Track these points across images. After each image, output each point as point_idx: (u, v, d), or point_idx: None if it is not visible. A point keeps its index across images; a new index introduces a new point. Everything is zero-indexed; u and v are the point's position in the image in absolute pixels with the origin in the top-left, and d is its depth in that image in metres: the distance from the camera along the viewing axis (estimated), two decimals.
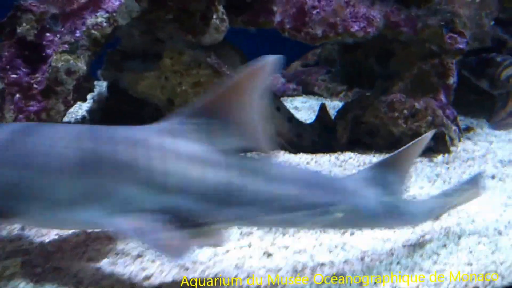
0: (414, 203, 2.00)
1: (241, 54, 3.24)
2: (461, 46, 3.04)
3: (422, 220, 1.90)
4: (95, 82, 2.83)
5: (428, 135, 1.74)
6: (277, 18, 2.99)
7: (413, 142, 1.71)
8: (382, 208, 1.64)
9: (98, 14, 2.42)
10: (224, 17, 2.92)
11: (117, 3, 2.46)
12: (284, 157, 2.97)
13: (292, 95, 5.53)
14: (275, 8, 3.01)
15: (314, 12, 2.91)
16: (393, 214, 1.69)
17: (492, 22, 3.47)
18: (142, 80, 2.95)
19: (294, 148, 3.24)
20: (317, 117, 3.54)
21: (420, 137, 1.73)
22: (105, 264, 1.63)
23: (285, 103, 5.16)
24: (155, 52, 2.96)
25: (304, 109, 4.98)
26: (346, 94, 4.86)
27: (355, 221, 1.64)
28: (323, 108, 3.55)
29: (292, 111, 4.87)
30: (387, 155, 1.80)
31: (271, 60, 1.39)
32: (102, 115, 3.30)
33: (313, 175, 1.66)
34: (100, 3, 2.43)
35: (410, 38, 3.05)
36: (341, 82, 3.73)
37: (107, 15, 2.44)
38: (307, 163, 2.87)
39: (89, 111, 3.40)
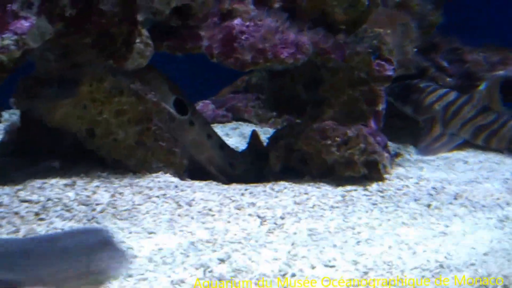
0: None
1: (168, 80, 3.11)
2: (389, 73, 3.08)
3: None
4: (9, 111, 2.59)
5: None
6: (205, 43, 2.89)
7: None
8: None
9: (4, 36, 2.21)
10: (149, 41, 2.79)
11: (27, 24, 2.26)
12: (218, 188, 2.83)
13: (222, 122, 5.47)
14: (202, 33, 2.91)
15: (243, 37, 2.83)
16: None
17: (415, 50, 3.57)
18: (59, 109, 2.73)
19: (227, 177, 3.11)
20: (249, 144, 3.46)
21: None
22: None
23: (215, 130, 5.10)
24: (72, 78, 2.75)
25: (235, 135, 4.92)
26: (276, 121, 4.84)
27: None
28: (254, 135, 3.48)
29: (223, 137, 4.79)
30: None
31: None
32: (14, 148, 3.01)
33: None
34: (7, 25, 2.22)
35: (338, 65, 3.05)
36: (270, 109, 3.67)
37: (15, 37, 2.23)
38: (242, 194, 2.75)
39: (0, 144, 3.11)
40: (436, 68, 4.34)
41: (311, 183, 2.99)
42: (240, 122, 5.45)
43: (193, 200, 2.59)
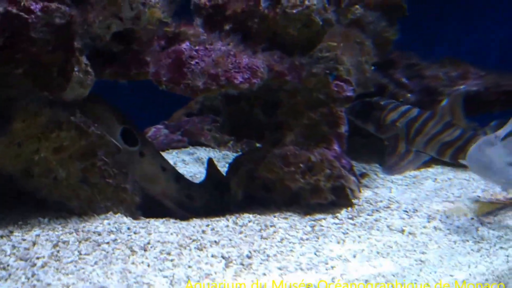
0: None
1: (114, 109, 2.88)
2: (348, 94, 2.94)
3: None
4: None
5: None
6: (152, 69, 2.67)
7: None
8: None
9: None
10: (89, 69, 2.55)
11: None
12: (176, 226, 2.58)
13: (178, 147, 5.22)
14: (148, 58, 2.70)
15: (193, 62, 2.63)
16: None
17: (373, 68, 3.48)
18: None
19: (186, 211, 2.89)
20: (208, 173, 3.25)
21: None
22: None
23: (170, 156, 4.87)
24: (4, 114, 2.47)
25: (191, 161, 4.70)
26: (236, 144, 4.64)
27: None
28: (210, 163, 3.27)
29: (179, 164, 4.55)
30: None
31: None
32: None
33: None
34: None
35: (296, 87, 2.89)
36: (228, 134, 3.47)
37: None
38: (203, 231, 2.52)
39: None
40: (395, 85, 4.26)
41: (277, 213, 2.81)
42: (197, 147, 5.23)
43: (148, 243, 2.34)
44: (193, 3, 2.91)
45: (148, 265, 2.14)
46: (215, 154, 4.84)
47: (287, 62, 2.82)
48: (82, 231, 2.41)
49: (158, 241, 2.36)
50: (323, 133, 2.92)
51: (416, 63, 4.36)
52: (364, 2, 3.55)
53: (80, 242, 2.30)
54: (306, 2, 2.78)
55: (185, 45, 2.68)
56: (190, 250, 2.30)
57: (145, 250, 2.27)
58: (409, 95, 4.25)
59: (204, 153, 5.03)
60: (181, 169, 4.25)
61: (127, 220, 2.59)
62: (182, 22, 2.74)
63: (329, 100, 2.94)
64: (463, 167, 4.05)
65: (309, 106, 2.93)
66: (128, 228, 2.48)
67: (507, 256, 2.27)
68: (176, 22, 2.74)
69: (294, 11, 2.80)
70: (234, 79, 2.60)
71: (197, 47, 2.66)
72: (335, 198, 2.83)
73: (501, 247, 2.38)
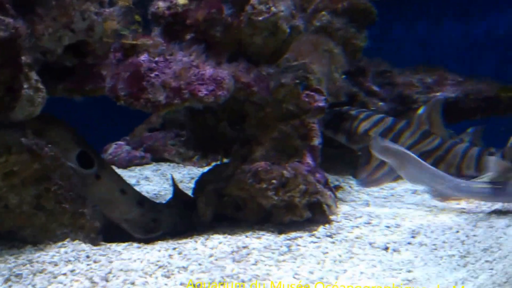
0: None
1: (70, 129, 2.70)
2: (320, 104, 2.81)
3: None
4: None
5: None
6: (108, 83, 2.48)
7: None
8: None
9: None
10: (40, 85, 2.38)
11: None
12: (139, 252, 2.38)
13: (140, 164, 5.01)
14: (104, 72, 2.52)
15: (153, 75, 2.45)
16: None
17: (344, 76, 3.37)
18: None
19: (151, 233, 2.71)
20: (174, 192, 3.06)
21: None
22: None
23: (133, 174, 4.65)
24: None
25: (156, 178, 4.51)
26: (201, 159, 4.46)
27: None
28: (175, 182, 3.09)
29: (142, 181, 4.34)
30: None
31: None
32: None
33: None
34: None
35: (264, 99, 2.74)
36: (193, 149, 3.29)
37: None
38: (170, 256, 2.33)
39: None
40: (366, 93, 4.17)
41: (249, 233, 2.64)
42: (160, 163, 5.04)
43: (109, 272, 2.15)
44: (151, 12, 2.73)
45: None
46: (180, 170, 4.65)
47: (253, 72, 2.67)
48: (37, 262, 2.21)
49: (121, 270, 2.16)
50: (295, 146, 2.78)
51: (386, 70, 4.28)
52: (331, 8, 3.44)
53: (34, 274, 2.10)
54: (273, 9, 2.64)
55: (143, 57, 2.50)
56: (157, 278, 2.12)
57: (106, 281, 2.08)
58: (380, 103, 4.16)
59: (168, 168, 4.84)
60: (145, 186, 4.06)
61: (86, 247, 2.38)
62: (139, 33, 2.57)
63: (300, 111, 2.80)
64: None
65: (279, 119, 2.78)
66: (87, 256, 2.27)
67: (491, 269, 2.18)
68: (133, 33, 2.57)
69: (260, 18, 2.65)
70: (198, 92, 2.44)
71: (156, 59, 2.49)
72: (311, 214, 2.69)
73: (486, 261, 2.29)
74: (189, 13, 2.66)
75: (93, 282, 2.06)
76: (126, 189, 2.79)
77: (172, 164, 4.95)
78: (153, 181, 4.39)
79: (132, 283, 2.07)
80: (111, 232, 2.64)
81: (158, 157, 5.07)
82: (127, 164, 4.93)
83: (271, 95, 2.73)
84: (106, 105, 2.84)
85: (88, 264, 2.22)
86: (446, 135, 3.82)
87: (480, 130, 3.99)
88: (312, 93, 2.82)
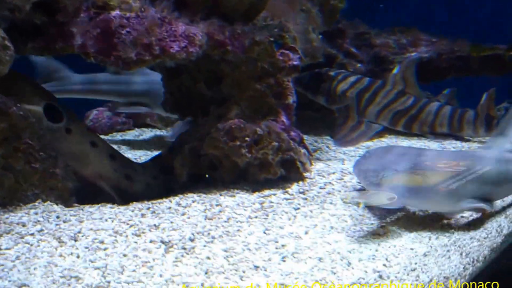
0: None
1: (36, 85, 2.63)
2: (295, 63, 2.76)
3: None
4: None
5: None
6: (78, 41, 2.41)
7: None
8: None
9: None
10: (7, 43, 2.30)
11: None
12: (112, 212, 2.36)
13: (122, 130, 4.96)
14: (74, 30, 2.44)
15: (124, 31, 2.39)
16: None
17: (321, 37, 3.31)
18: None
19: (124, 194, 2.66)
20: (154, 157, 3.02)
21: None
22: None
23: (115, 140, 4.59)
24: None
25: (137, 144, 4.44)
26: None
27: None
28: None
29: (124, 147, 4.29)
30: None
31: None
32: None
33: None
34: None
35: (239, 57, 2.69)
36: (171, 111, 3.25)
37: None
38: (142, 215, 2.31)
39: None
40: (344, 55, 4.13)
41: (224, 191, 2.63)
42: (143, 129, 4.99)
43: (79, 232, 2.12)
44: None
45: (78, 256, 1.93)
46: (162, 135, 4.61)
47: (228, 30, 2.61)
48: (4, 223, 2.16)
49: (91, 229, 2.14)
50: (269, 105, 2.75)
51: (364, 32, 4.24)
52: None
53: (1, 235, 2.06)
54: None
55: (114, 13, 2.43)
56: (127, 236, 2.10)
57: (75, 240, 2.06)
58: (359, 65, 4.13)
59: (151, 134, 4.80)
60: (127, 152, 4.01)
61: (57, 208, 2.35)
62: None
63: (275, 70, 2.75)
64: (417, 135, 4.00)
65: (254, 77, 2.74)
66: (57, 217, 2.24)
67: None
68: None
69: None
70: (169, 48, 2.38)
71: (128, 15, 2.42)
72: (284, 172, 2.68)
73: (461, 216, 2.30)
74: None
75: (61, 241, 2.04)
76: (97, 141, 2.69)
77: (154, 130, 4.91)
78: (135, 147, 4.35)
79: (101, 242, 2.05)
80: (86, 194, 2.59)
81: (140, 123, 5.01)
82: (109, 130, 4.86)
83: (245, 53, 2.67)
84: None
85: (57, 224, 2.18)
86: (421, 94, 3.82)
87: (454, 90, 4.02)
88: (287, 52, 2.77)
